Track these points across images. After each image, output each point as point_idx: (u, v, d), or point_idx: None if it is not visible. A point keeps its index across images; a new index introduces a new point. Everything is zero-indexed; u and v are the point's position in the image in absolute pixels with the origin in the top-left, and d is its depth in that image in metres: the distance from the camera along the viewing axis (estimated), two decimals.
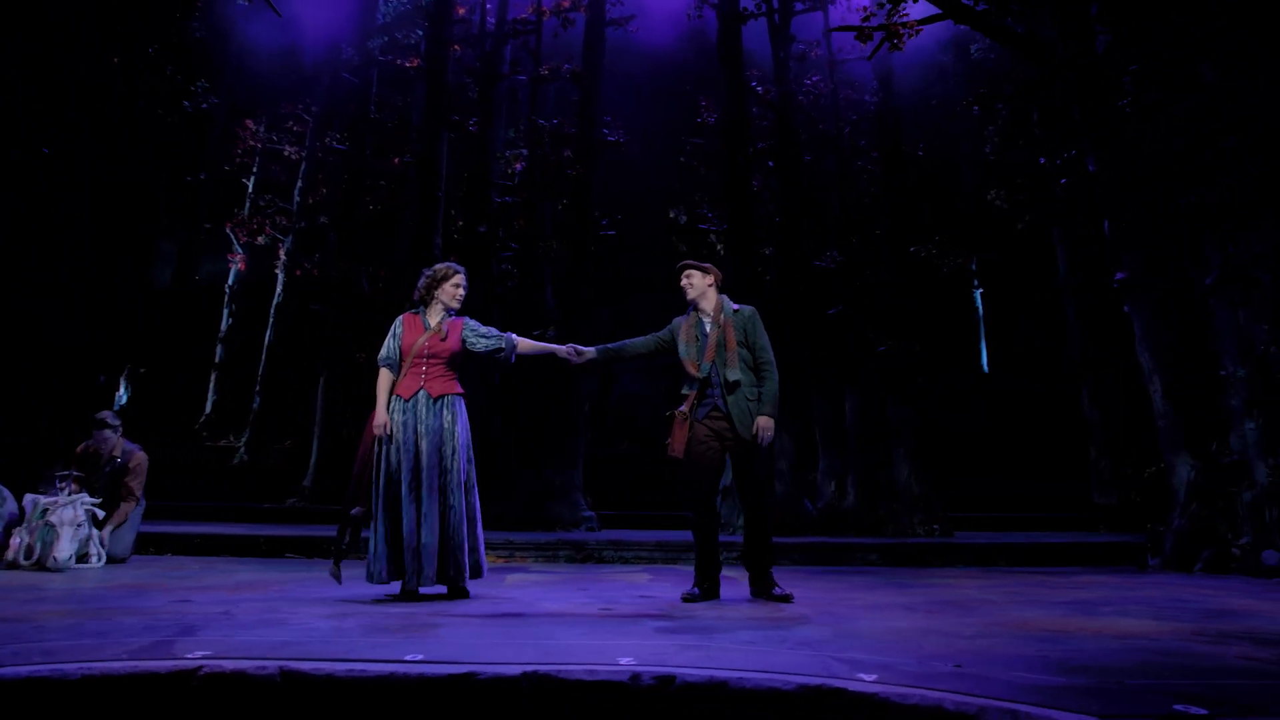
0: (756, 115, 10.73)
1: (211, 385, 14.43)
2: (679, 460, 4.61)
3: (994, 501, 11.69)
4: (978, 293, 14.14)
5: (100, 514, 6.22)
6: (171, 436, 13.97)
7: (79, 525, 6.03)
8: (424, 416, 4.45)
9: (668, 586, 5.42)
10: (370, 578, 4.38)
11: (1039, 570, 7.02)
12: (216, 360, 14.47)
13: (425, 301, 4.77)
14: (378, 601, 4.31)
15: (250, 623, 3.49)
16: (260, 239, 14.23)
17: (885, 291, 9.52)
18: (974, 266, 14.19)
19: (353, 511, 4.50)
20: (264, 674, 2.57)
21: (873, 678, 2.52)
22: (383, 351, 4.64)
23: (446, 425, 4.48)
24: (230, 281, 14.88)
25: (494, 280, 10.40)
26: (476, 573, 4.50)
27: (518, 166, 11.01)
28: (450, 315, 4.76)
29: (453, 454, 4.47)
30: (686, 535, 5.85)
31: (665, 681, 2.56)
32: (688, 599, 4.46)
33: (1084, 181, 9.12)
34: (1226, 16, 6.48)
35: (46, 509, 5.92)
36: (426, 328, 4.65)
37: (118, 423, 6.79)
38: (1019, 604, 4.54)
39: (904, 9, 7.78)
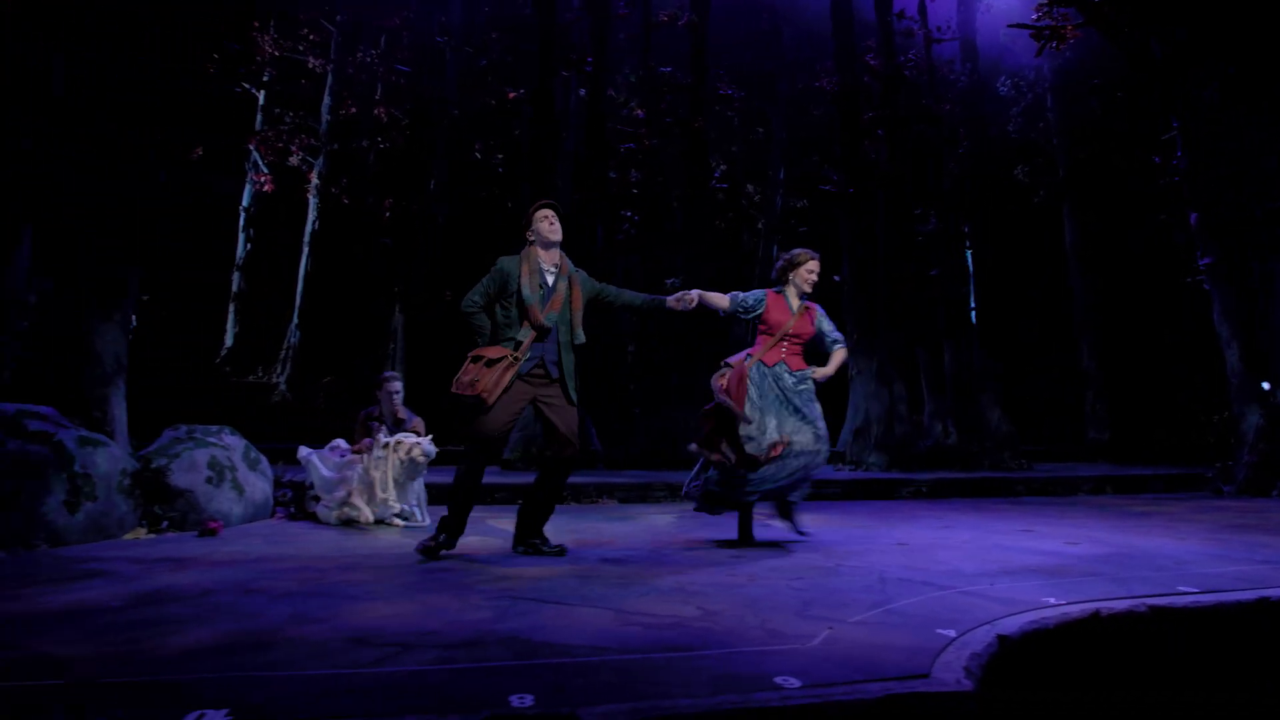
0: (865, 84, 11.45)
1: (231, 316, 13.25)
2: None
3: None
4: (969, 253, 15.94)
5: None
6: (188, 371, 12.83)
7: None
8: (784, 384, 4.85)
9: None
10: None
11: (1164, 497, 8.74)
12: (235, 290, 13.27)
13: (782, 281, 5.06)
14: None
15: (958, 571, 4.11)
16: (292, 159, 13.05)
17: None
18: (966, 229, 15.96)
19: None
20: (1140, 611, 3.27)
21: None
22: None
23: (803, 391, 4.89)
24: (245, 203, 13.55)
25: (616, 227, 10.53)
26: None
27: (639, 114, 11.00)
28: (804, 299, 5.05)
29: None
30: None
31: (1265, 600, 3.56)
32: None
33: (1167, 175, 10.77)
34: None
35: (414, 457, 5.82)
36: (792, 311, 4.96)
37: (401, 379, 6.59)
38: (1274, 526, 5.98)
39: (1062, 12, 8.92)
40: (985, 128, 10.91)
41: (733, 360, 4.95)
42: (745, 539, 5.00)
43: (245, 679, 2.20)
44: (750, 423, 4.72)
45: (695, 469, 5.11)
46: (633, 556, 4.42)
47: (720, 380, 4.88)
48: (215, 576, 3.70)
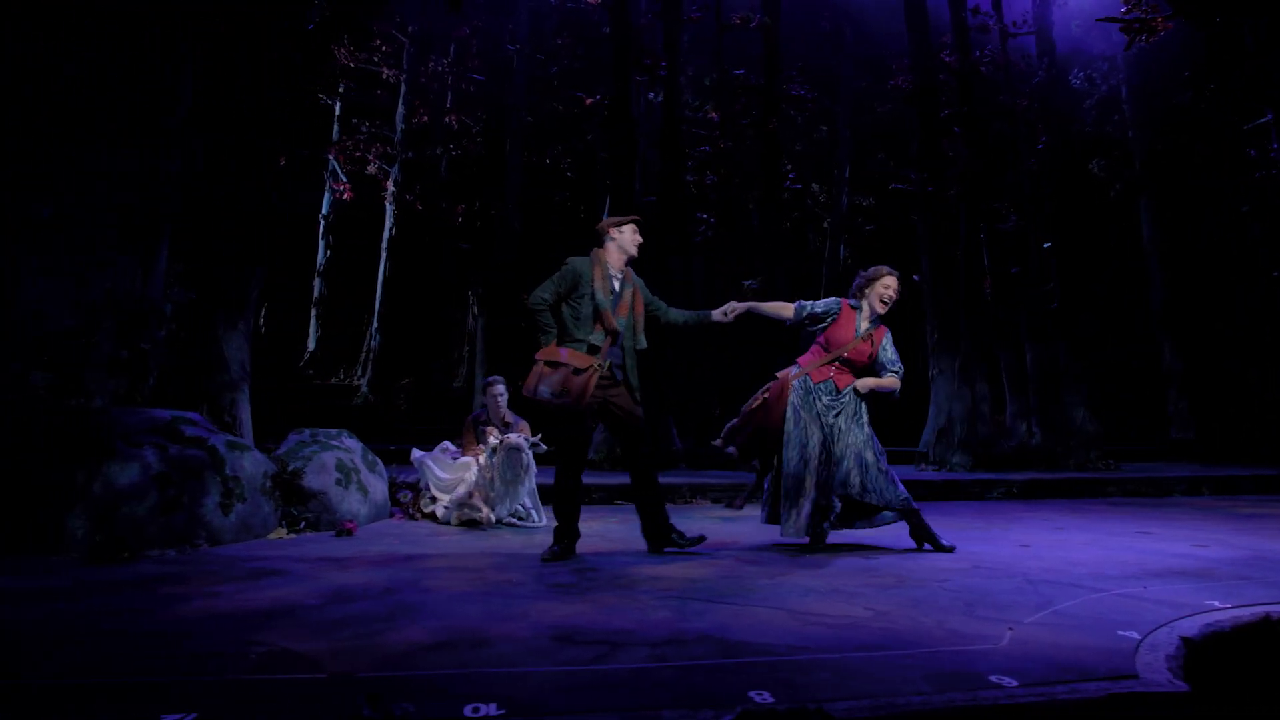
0: (941, 82, 11.39)
1: (313, 321, 13.69)
2: None
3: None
4: (1047, 249, 15.66)
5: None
6: (272, 373, 13.26)
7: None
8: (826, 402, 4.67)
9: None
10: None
11: (1265, 498, 8.56)
12: (315, 295, 13.70)
13: (859, 297, 4.80)
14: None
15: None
16: (370, 168, 13.42)
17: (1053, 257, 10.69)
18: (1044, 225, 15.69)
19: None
20: None
21: None
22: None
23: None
24: (324, 211, 13.98)
25: (692, 230, 10.64)
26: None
27: (714, 116, 11.12)
28: (876, 322, 4.79)
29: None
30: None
31: None
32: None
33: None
34: None
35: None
36: (857, 332, 4.72)
37: (504, 381, 6.76)
38: None
39: (1152, 3, 8.81)
40: (1066, 123, 10.75)
41: (781, 374, 4.81)
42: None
43: (490, 675, 2.35)
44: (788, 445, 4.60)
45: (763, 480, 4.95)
46: (765, 557, 4.53)
47: (759, 397, 4.75)
48: (384, 576, 3.90)
